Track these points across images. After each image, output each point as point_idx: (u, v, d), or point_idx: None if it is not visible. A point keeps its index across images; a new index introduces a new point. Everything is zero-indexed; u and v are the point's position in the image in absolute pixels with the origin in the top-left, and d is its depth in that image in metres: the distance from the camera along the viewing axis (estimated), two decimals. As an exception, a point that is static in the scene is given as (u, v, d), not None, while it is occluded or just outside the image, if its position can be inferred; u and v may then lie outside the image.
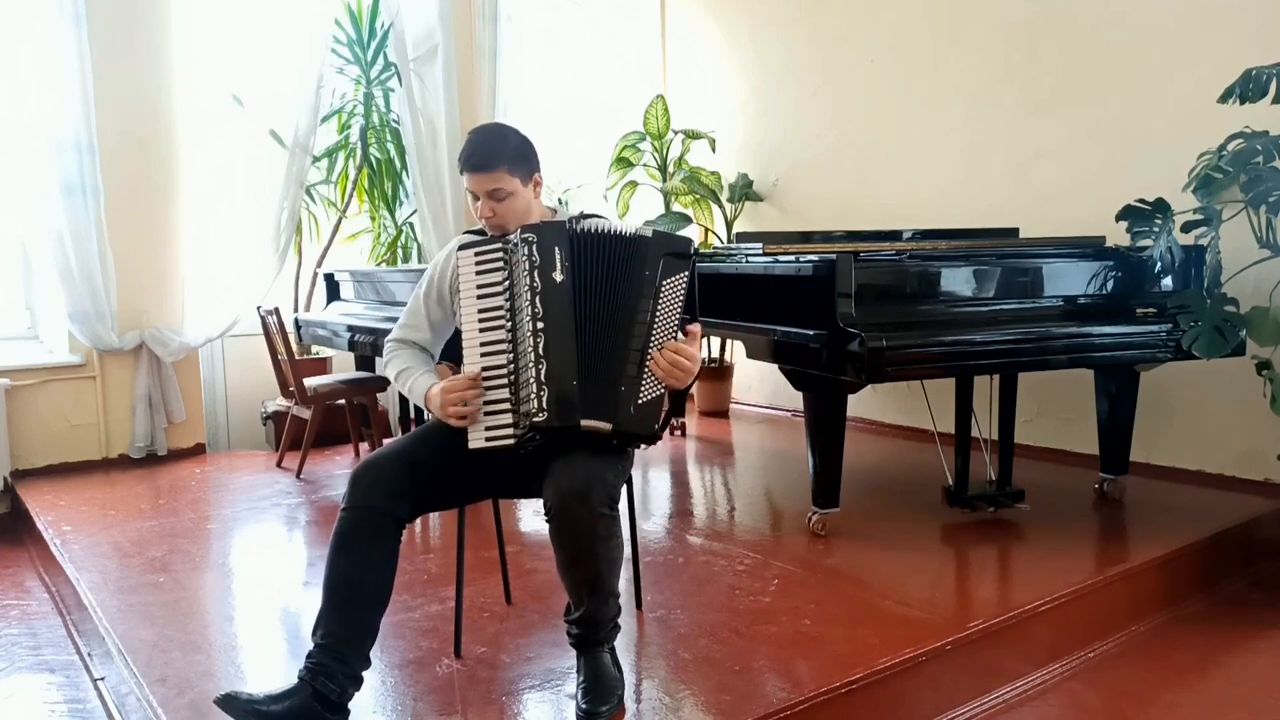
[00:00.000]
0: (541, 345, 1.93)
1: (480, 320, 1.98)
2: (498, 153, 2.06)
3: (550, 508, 1.86)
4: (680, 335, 1.99)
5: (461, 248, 2.03)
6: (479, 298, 1.98)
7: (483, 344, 1.97)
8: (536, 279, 1.94)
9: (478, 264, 1.99)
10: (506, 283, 1.97)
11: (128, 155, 4.34)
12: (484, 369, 1.97)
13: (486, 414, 1.95)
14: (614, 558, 1.91)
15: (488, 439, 1.95)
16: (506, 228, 2.09)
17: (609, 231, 2.01)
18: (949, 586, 2.67)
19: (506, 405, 1.95)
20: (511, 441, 1.94)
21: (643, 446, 2.07)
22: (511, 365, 1.95)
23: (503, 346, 1.96)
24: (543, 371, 1.92)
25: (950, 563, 2.88)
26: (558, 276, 1.95)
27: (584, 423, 1.93)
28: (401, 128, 5.11)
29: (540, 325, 1.93)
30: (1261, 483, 3.50)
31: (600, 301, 1.98)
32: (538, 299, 1.94)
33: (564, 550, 1.88)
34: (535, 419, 1.91)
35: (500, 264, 1.98)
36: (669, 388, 1.96)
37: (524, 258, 1.95)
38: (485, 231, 2.16)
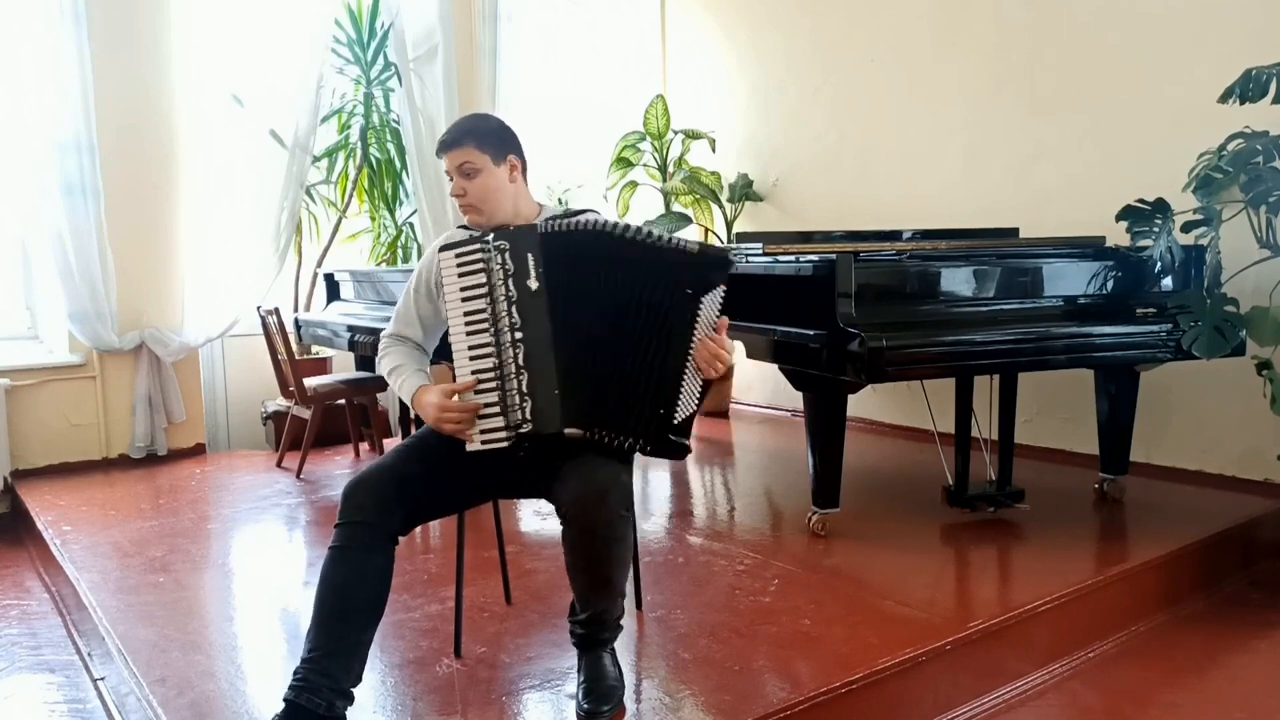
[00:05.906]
0: (521, 355, 1.94)
1: (466, 323, 1.97)
2: (467, 130, 2.10)
3: (568, 511, 1.86)
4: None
5: (444, 248, 2.02)
6: (463, 300, 1.97)
7: (470, 348, 1.97)
8: (512, 287, 1.94)
9: (459, 265, 1.98)
10: (487, 285, 1.96)
11: (127, 155, 4.34)
12: (474, 372, 1.97)
13: (480, 417, 1.96)
14: (626, 559, 1.93)
15: (483, 442, 1.96)
16: (478, 209, 2.10)
17: (631, 237, 1.95)
18: (949, 586, 2.67)
19: (497, 409, 1.95)
20: (506, 445, 1.95)
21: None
22: (498, 371, 1.95)
23: (489, 350, 1.96)
24: (524, 382, 1.94)
25: (950, 563, 2.88)
26: (532, 284, 1.95)
27: (566, 431, 1.94)
28: (401, 128, 5.11)
29: (519, 335, 1.94)
30: (1261, 483, 3.50)
31: (597, 305, 1.96)
32: (514, 309, 1.94)
33: (579, 552, 1.88)
34: (522, 429, 1.94)
35: (480, 265, 1.96)
36: (705, 378, 1.96)
37: (499, 265, 1.95)
38: (469, 229, 2.15)
